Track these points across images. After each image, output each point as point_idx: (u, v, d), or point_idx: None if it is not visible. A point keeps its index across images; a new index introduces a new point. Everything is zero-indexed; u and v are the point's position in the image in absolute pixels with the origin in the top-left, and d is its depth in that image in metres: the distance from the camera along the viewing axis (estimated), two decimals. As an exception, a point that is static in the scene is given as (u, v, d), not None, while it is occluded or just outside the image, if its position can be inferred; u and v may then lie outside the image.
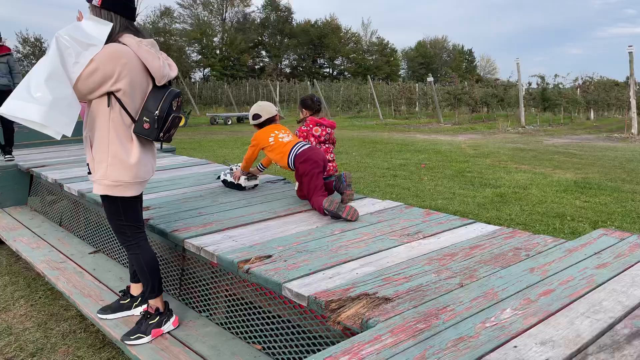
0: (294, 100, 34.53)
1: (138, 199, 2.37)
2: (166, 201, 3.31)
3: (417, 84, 30.12)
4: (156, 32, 45.17)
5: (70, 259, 3.41)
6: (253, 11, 51.72)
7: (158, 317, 2.39)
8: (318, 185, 3.07)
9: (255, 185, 3.83)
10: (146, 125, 2.16)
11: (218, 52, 48.16)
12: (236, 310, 2.37)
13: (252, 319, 2.29)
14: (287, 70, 53.32)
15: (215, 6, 49.67)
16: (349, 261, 2.16)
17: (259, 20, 51.90)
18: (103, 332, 2.86)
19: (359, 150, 11.29)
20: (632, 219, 5.36)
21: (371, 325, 1.60)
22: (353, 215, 2.78)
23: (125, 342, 2.31)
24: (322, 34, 52.08)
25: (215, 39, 48.85)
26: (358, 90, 29.83)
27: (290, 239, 2.47)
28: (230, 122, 22.10)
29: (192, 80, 42.02)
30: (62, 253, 3.53)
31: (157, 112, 2.14)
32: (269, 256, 2.23)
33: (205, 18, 49.00)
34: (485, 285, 1.88)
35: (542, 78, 22.01)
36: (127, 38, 2.18)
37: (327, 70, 56.06)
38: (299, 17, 57.60)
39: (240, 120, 22.99)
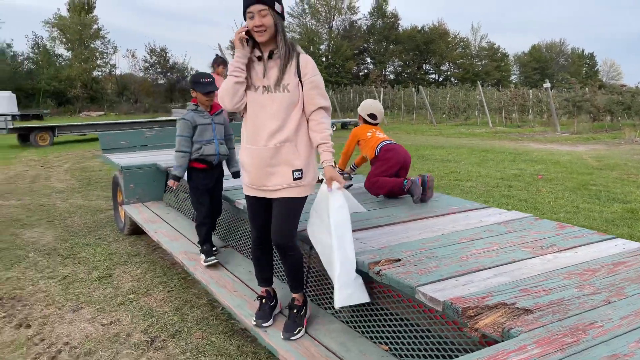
0: (397, 107, 34.31)
1: None
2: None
3: (530, 90, 28.47)
4: (267, 41, 47.37)
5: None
6: (360, 19, 52.33)
7: (304, 308, 2.58)
8: (391, 173, 3.64)
9: (350, 186, 3.93)
10: None
11: (324, 59, 49.29)
12: (361, 310, 2.45)
13: (378, 320, 2.36)
14: (392, 76, 53.09)
15: (323, 15, 50.93)
16: (481, 270, 2.14)
17: (365, 27, 52.34)
18: (236, 321, 3.09)
19: (468, 159, 10.95)
20: None
21: (514, 335, 1.59)
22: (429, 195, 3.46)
23: (291, 338, 2.42)
24: (429, 39, 51.21)
25: (321, 47, 50.08)
26: (466, 97, 28.87)
27: (416, 245, 2.51)
28: (335, 129, 22.52)
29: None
30: (197, 245, 3.86)
31: None
32: (398, 260, 2.28)
33: (313, 27, 50.42)
34: (635, 304, 1.77)
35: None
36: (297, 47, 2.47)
37: (433, 76, 54.94)
38: (405, 23, 57.36)
39: (344, 126, 23.32)
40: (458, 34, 54.79)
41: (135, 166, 5.16)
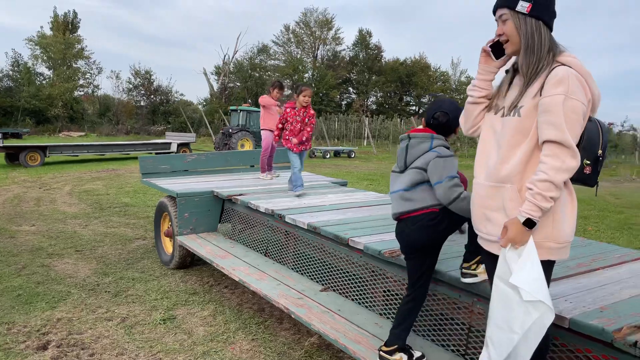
0: (384, 137, 34.41)
1: None
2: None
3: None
4: (252, 67, 47.35)
5: (305, 295, 3.27)
6: (344, 49, 52.92)
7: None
8: None
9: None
10: (587, 170, 1.80)
11: (308, 87, 49.47)
12: None
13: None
14: (374, 106, 53.56)
15: (308, 44, 51.36)
16: None
17: (348, 58, 52.90)
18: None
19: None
20: None
21: None
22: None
23: None
24: (411, 72, 52.02)
25: (306, 75, 50.30)
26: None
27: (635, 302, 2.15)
28: (328, 156, 22.28)
29: (284, 114, 43.27)
30: (292, 288, 3.40)
31: (599, 150, 1.82)
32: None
33: (298, 55, 50.73)
34: None
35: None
36: (567, 57, 1.80)
37: (414, 107, 55.69)
38: (388, 55, 58.09)
39: (337, 154, 23.11)
40: (439, 68, 56.00)
41: (192, 193, 4.68)
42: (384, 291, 2.99)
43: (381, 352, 2.43)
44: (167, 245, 5.08)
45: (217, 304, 4.09)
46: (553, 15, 1.85)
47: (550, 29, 1.84)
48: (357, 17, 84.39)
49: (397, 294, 2.90)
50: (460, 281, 2.44)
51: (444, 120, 2.47)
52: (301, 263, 3.74)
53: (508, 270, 1.75)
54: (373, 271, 3.07)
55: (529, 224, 1.71)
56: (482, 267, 2.33)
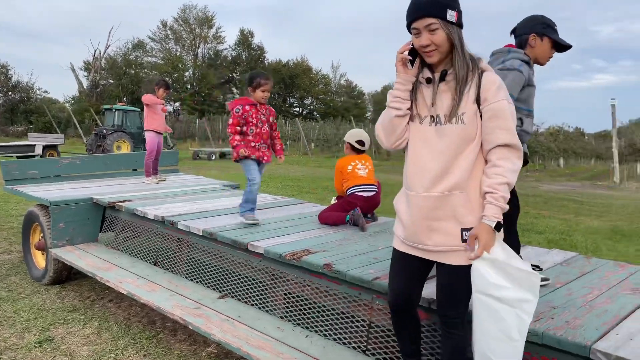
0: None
1: None
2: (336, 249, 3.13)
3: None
4: (127, 64, 44.58)
5: (202, 305, 3.14)
6: (226, 49, 52.05)
7: None
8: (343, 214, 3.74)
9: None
10: None
11: (189, 86, 47.83)
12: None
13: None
14: (258, 107, 53.44)
15: (188, 42, 49.68)
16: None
17: (230, 57, 52.16)
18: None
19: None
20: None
21: None
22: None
23: None
24: (294, 74, 52.77)
25: (186, 74, 48.61)
26: (337, 130, 30.17)
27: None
28: (214, 158, 21.76)
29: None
30: (187, 298, 3.25)
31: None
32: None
33: (178, 53, 48.85)
34: None
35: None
36: (482, 62, 1.89)
37: (297, 109, 56.56)
38: (270, 56, 58.25)
39: (223, 155, 22.64)
40: (320, 70, 57.48)
41: (67, 201, 4.26)
42: (285, 294, 2.98)
43: None
44: (39, 259, 4.57)
45: (101, 320, 3.77)
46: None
47: None
48: (237, 16, 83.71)
49: (298, 296, 2.90)
50: (359, 279, 2.52)
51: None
52: (196, 271, 3.59)
53: (487, 282, 1.75)
54: (274, 275, 3.04)
55: (498, 227, 1.77)
56: None
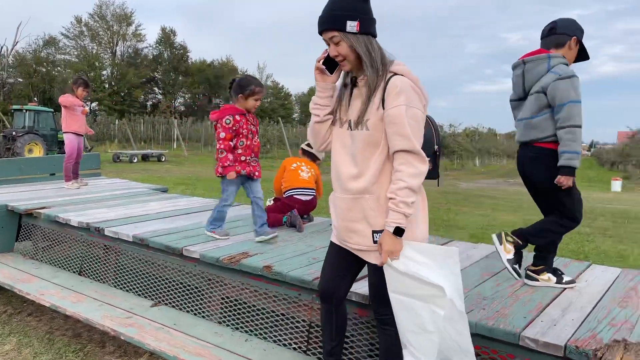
0: (196, 139, 33.64)
1: None
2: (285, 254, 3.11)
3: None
4: (37, 62, 41.65)
5: (135, 314, 3.02)
6: (146, 47, 50.09)
7: None
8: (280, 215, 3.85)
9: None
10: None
11: (107, 86, 45.52)
12: None
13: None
14: (182, 108, 51.97)
15: (105, 39, 47.30)
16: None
17: (152, 56, 50.29)
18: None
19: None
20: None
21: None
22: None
23: None
24: (219, 74, 51.85)
25: (104, 73, 46.24)
26: (265, 131, 30.02)
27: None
28: (135, 160, 20.87)
29: (79, 114, 38.95)
30: (117, 307, 3.10)
31: (435, 146, 1.92)
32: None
33: (94, 51, 46.35)
34: None
35: (441, 127, 24.11)
36: (397, 65, 1.86)
37: (223, 110, 55.68)
38: (194, 56, 56.75)
39: (145, 158, 21.78)
40: (246, 71, 56.87)
41: (-23, 209, 3.93)
42: (222, 299, 2.94)
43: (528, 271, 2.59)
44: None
45: (20, 336, 3.50)
46: (374, 22, 1.87)
47: (375, 37, 1.88)
48: (158, 15, 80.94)
49: (236, 300, 2.87)
50: (300, 279, 2.54)
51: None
52: (126, 279, 3.44)
53: (399, 283, 1.83)
54: (210, 279, 2.99)
55: (399, 232, 1.79)
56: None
